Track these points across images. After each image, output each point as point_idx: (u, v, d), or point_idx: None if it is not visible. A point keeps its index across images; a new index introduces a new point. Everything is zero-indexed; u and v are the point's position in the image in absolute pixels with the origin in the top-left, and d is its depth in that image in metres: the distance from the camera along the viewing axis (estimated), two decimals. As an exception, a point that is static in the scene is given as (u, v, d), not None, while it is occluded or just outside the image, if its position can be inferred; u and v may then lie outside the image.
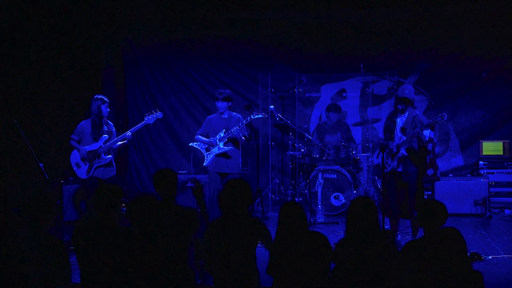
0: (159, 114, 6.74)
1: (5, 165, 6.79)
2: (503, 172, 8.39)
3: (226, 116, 6.98)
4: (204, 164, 6.99)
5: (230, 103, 6.98)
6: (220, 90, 7.01)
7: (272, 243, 3.93)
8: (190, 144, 7.18)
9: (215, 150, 6.87)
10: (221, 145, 6.85)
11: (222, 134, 6.84)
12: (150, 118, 6.71)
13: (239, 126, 6.73)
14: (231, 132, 6.74)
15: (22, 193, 7.80)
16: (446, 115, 5.84)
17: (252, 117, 6.78)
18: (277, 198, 8.60)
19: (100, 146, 6.52)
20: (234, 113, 7.10)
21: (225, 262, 3.86)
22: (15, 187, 7.81)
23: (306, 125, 9.17)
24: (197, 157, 7.61)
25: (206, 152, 6.96)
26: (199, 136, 7.04)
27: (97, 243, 3.81)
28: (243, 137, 6.87)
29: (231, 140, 6.88)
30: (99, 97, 6.61)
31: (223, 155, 6.88)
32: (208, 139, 6.95)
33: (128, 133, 6.63)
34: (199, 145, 7.05)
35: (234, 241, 3.86)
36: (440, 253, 3.38)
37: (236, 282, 3.87)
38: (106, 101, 6.61)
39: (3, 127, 7.47)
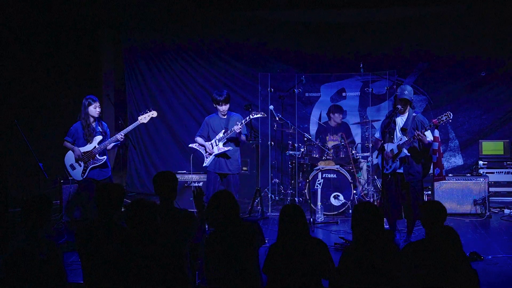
0: (153, 113, 6.61)
1: (5, 165, 6.78)
2: (502, 172, 8.40)
3: (225, 116, 6.97)
4: (204, 165, 6.97)
5: (229, 104, 6.97)
6: (218, 92, 6.85)
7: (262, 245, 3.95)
8: (190, 145, 7.16)
9: (214, 151, 6.87)
10: (220, 145, 6.84)
11: (221, 135, 6.83)
12: (144, 117, 6.58)
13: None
14: (230, 132, 6.74)
15: (22, 193, 7.79)
16: (451, 114, 5.84)
17: (251, 116, 6.76)
18: (277, 197, 8.60)
19: (95, 146, 6.44)
20: (233, 112, 7.09)
21: (228, 272, 3.81)
22: (15, 187, 7.81)
23: (306, 125, 9.17)
24: (197, 157, 7.60)
25: (206, 152, 6.94)
26: (198, 138, 7.02)
27: (99, 243, 3.81)
28: (243, 135, 6.86)
29: (231, 141, 6.88)
30: (87, 97, 6.46)
31: (222, 155, 6.87)
32: (205, 143, 6.92)
33: (119, 135, 6.42)
34: (198, 146, 7.04)
35: (233, 250, 3.81)
36: (442, 252, 3.40)
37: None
38: (94, 100, 6.42)
39: (3, 127, 7.47)
